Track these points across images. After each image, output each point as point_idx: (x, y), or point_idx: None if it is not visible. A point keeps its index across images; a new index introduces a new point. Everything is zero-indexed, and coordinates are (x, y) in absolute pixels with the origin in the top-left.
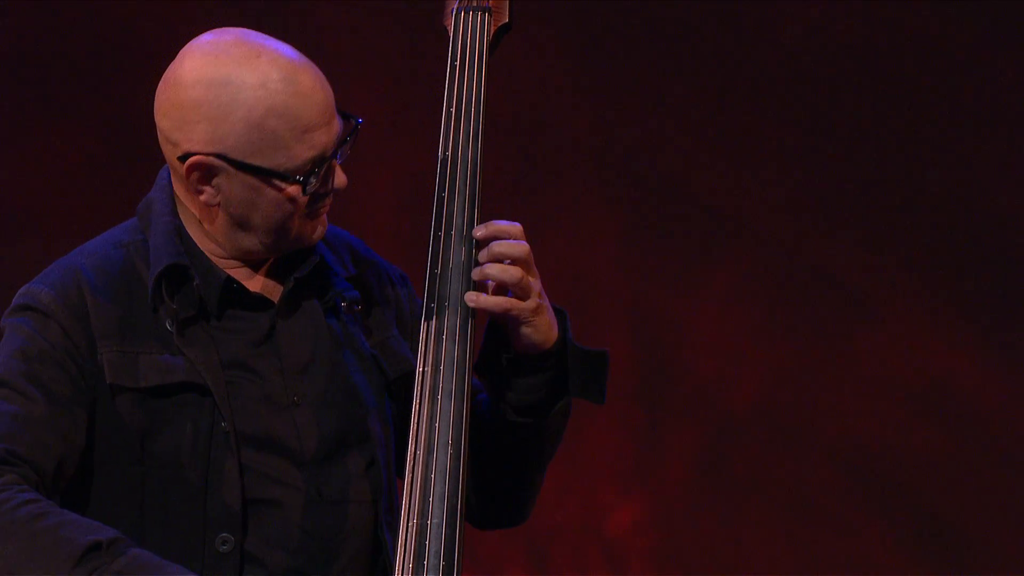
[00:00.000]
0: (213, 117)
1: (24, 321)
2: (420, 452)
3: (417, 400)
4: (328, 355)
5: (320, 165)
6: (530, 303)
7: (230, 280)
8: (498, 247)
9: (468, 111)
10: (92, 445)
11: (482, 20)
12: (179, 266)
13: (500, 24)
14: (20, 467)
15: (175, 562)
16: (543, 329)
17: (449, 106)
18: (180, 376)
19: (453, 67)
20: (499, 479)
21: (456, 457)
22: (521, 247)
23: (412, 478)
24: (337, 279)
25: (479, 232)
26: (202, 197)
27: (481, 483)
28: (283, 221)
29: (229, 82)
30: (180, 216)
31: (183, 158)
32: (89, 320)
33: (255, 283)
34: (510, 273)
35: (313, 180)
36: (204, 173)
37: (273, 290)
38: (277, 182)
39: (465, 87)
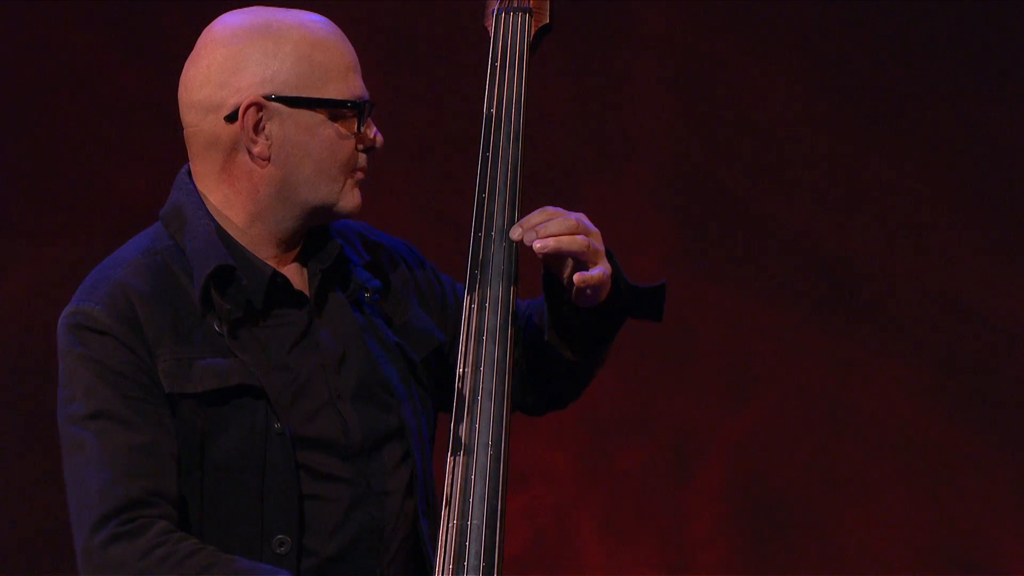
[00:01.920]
0: (260, 58)
1: (84, 344)
2: (460, 453)
3: (456, 401)
4: (359, 348)
5: (359, 105)
6: (598, 272)
7: (276, 275)
8: (546, 230)
9: (508, 112)
10: None
11: (523, 21)
12: (227, 267)
13: (541, 25)
14: (162, 506)
15: None
16: (604, 290)
17: (489, 107)
18: (235, 379)
19: (494, 68)
20: (550, 384)
21: (496, 458)
22: (569, 220)
23: (452, 479)
24: (357, 269)
25: (515, 234)
26: (256, 148)
27: (532, 386)
28: (334, 170)
29: (269, 25)
30: (215, 217)
31: (232, 116)
32: (143, 331)
33: (290, 279)
34: (578, 243)
35: (349, 111)
36: (258, 119)
37: (303, 285)
38: (333, 112)
39: (506, 88)
